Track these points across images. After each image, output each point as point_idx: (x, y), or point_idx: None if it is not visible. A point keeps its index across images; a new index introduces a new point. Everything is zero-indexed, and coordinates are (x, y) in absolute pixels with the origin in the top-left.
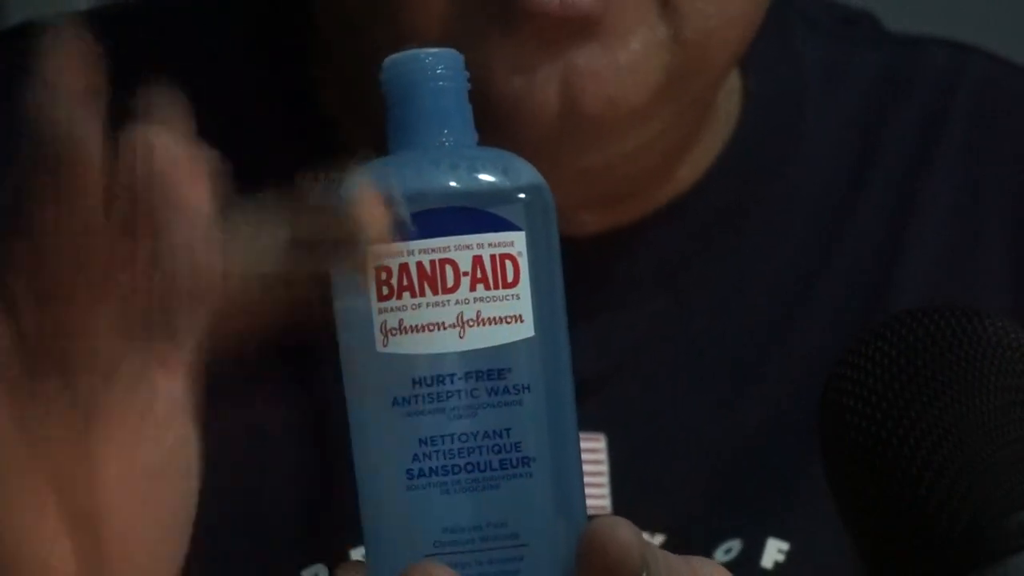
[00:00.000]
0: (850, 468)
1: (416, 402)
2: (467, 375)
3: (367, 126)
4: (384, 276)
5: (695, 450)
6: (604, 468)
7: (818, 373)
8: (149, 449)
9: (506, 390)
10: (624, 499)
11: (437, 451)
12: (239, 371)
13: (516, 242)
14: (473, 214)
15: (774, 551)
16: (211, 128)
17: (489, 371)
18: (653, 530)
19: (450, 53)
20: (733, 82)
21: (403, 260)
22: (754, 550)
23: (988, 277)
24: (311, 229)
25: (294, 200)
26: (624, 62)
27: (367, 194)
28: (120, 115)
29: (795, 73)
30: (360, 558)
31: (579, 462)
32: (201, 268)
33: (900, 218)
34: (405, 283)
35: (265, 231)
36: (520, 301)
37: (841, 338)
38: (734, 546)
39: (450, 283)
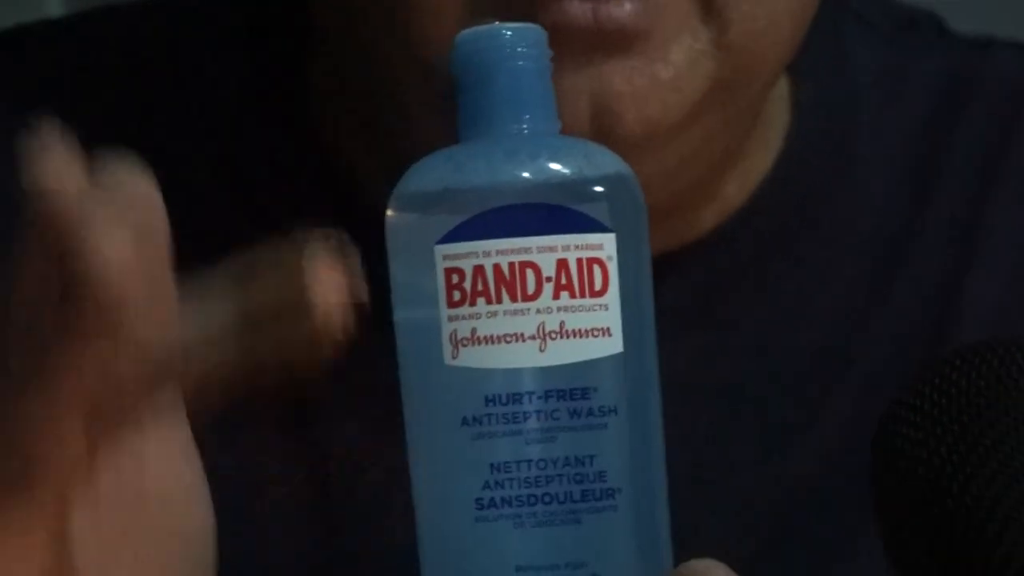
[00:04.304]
0: (904, 516)
1: (488, 422)
2: (547, 394)
3: (367, 131)
4: (456, 279)
5: (737, 502)
6: None
7: (875, 416)
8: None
9: (590, 412)
10: None
11: (511, 479)
12: (238, 420)
13: (606, 245)
14: (557, 212)
15: None
16: (197, 133)
17: (572, 390)
18: None
19: (533, 29)
20: (781, 89)
21: (478, 262)
22: None
23: None
24: (263, 297)
25: (247, 268)
26: (665, 78)
27: (325, 261)
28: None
29: (848, 82)
30: None
31: (666, 495)
32: (159, 345)
33: (968, 239)
34: (480, 288)
35: (216, 303)
36: (608, 312)
37: (902, 375)
38: None
39: (531, 289)
